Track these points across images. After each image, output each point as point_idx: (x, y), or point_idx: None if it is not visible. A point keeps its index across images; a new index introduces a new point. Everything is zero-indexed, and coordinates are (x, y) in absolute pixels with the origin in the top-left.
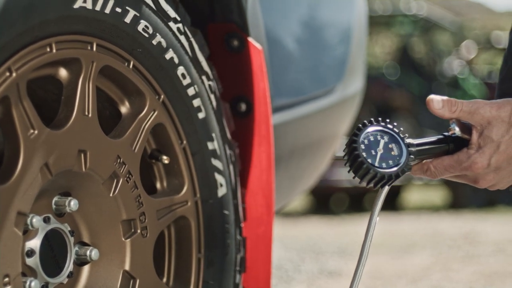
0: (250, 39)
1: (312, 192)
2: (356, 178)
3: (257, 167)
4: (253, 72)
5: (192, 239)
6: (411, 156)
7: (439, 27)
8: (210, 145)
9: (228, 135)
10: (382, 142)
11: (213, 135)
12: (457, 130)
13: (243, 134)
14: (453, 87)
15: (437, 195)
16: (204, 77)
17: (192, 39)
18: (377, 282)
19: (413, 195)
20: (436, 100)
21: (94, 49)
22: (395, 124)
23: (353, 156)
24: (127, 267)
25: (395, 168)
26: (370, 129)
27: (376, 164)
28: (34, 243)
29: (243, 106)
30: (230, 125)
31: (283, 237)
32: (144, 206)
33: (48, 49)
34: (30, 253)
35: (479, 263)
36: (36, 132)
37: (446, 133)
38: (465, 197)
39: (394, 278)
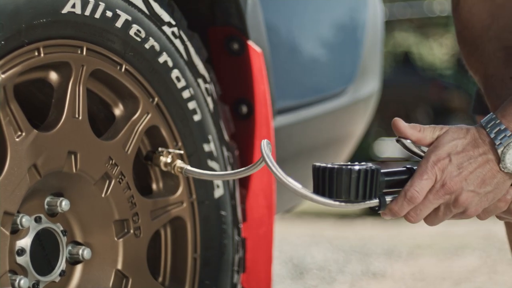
0: (249, 42)
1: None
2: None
3: None
4: (253, 75)
5: (188, 239)
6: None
7: None
8: (206, 147)
9: (226, 137)
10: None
11: (210, 137)
12: (408, 142)
13: (244, 136)
14: None
15: None
16: (200, 80)
17: (187, 43)
18: (419, 284)
19: None
20: (402, 121)
21: (84, 53)
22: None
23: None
24: (119, 266)
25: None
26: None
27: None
28: (25, 242)
29: (244, 109)
30: (230, 127)
31: (333, 238)
32: (138, 207)
33: (36, 53)
34: (21, 252)
35: None
36: (23, 134)
37: (408, 165)
38: None
39: (437, 280)
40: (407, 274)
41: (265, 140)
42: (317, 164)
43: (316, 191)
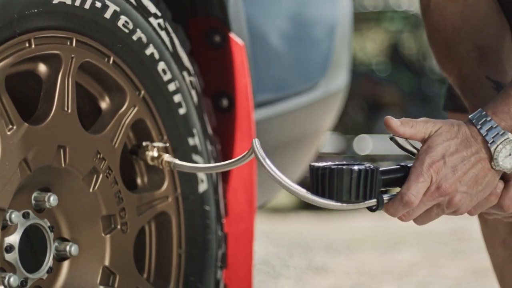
0: (231, 35)
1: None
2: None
3: None
4: (235, 68)
5: (173, 235)
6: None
7: None
8: (191, 141)
9: (209, 131)
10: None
11: (194, 130)
12: (402, 140)
13: (225, 129)
14: (443, 83)
15: None
16: (185, 73)
17: (173, 35)
18: (362, 278)
19: None
20: (394, 120)
21: (74, 44)
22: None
23: (328, 172)
24: (107, 263)
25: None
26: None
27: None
28: (13, 239)
29: (225, 102)
30: (212, 121)
31: (271, 232)
32: (124, 202)
33: (27, 45)
34: (9, 248)
35: (466, 259)
36: (14, 127)
37: (403, 163)
38: None
39: (380, 274)
40: (350, 268)
41: (256, 139)
42: (316, 164)
43: (315, 192)
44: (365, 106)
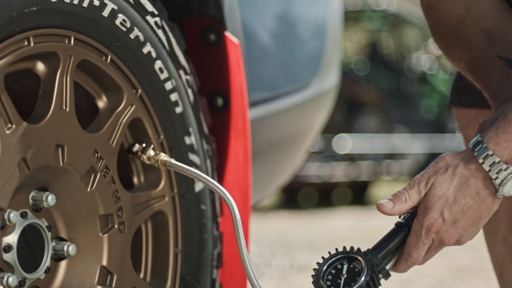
0: (227, 33)
1: (281, 187)
2: None
3: (234, 162)
4: (230, 67)
5: (170, 234)
6: (375, 262)
7: (408, 23)
8: (187, 140)
9: (205, 130)
10: (344, 267)
11: (191, 129)
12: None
13: (220, 128)
14: (422, 83)
15: None
16: (181, 72)
17: (169, 33)
18: None
19: (382, 190)
20: (385, 204)
21: (72, 43)
22: (351, 247)
23: None
24: (104, 263)
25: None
26: (330, 261)
27: None
28: (12, 239)
29: (220, 101)
30: (207, 120)
31: (253, 232)
32: (122, 201)
33: (26, 43)
34: (8, 248)
35: (448, 258)
36: (13, 126)
37: (398, 222)
38: None
39: None
40: None
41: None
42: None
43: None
44: (344, 105)
